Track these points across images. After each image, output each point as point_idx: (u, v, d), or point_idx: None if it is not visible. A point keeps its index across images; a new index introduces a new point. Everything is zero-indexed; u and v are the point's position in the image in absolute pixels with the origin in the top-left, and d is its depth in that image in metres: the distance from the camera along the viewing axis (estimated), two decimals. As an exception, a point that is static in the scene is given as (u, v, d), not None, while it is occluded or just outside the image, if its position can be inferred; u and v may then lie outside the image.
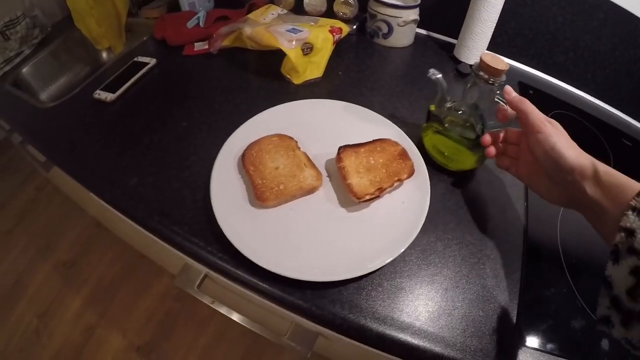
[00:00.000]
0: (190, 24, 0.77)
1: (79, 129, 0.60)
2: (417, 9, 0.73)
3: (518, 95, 0.41)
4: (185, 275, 0.59)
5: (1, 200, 1.43)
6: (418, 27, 0.78)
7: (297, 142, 0.53)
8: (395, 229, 0.45)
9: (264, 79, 0.69)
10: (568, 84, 0.74)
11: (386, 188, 0.46)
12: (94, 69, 0.83)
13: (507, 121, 0.44)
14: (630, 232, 0.29)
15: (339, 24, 0.71)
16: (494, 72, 0.42)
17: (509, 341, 0.39)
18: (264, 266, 0.40)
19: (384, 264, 0.41)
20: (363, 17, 0.80)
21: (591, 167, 0.35)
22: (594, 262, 0.46)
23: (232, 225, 0.43)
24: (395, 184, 0.47)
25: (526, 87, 0.70)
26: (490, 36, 0.68)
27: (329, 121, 0.58)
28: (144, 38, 0.80)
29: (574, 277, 0.44)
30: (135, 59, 0.71)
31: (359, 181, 0.47)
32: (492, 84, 0.43)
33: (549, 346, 0.38)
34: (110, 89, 0.65)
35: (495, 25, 0.67)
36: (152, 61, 0.71)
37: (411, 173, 0.49)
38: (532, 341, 0.39)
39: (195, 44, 0.76)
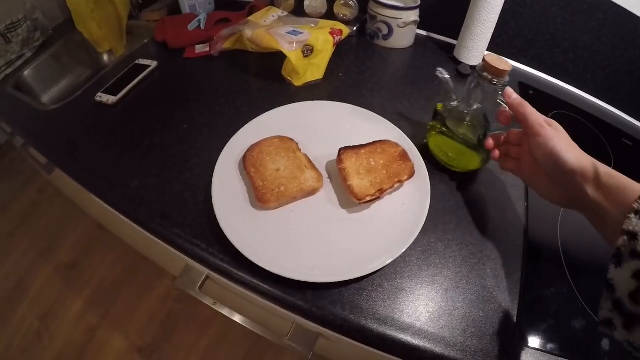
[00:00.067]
0: (191, 26, 0.78)
1: (80, 131, 0.60)
2: (417, 10, 0.73)
3: (519, 97, 0.41)
4: (186, 277, 0.59)
5: (3, 203, 1.44)
6: (418, 28, 0.78)
7: (297, 144, 0.53)
8: (395, 230, 0.45)
9: (265, 81, 0.69)
10: (568, 84, 0.74)
11: (387, 189, 0.46)
12: (95, 71, 0.84)
13: (508, 124, 0.44)
14: (633, 236, 0.29)
15: (339, 25, 0.72)
16: (498, 72, 0.43)
17: (510, 341, 0.39)
18: (265, 267, 0.40)
19: (384, 264, 0.42)
20: (363, 19, 0.80)
21: (592, 169, 0.35)
22: (595, 262, 0.46)
23: (233, 227, 0.44)
24: (396, 185, 0.47)
25: (526, 88, 0.70)
26: (490, 37, 0.69)
27: (330, 123, 0.58)
28: (145, 41, 0.80)
29: (574, 277, 0.44)
30: (137, 62, 0.72)
31: (359, 182, 0.47)
32: (496, 85, 0.44)
33: (550, 346, 0.39)
34: (112, 91, 0.65)
35: (495, 25, 0.67)
36: (153, 64, 0.71)
37: (411, 174, 0.49)
38: (533, 341, 0.39)
39: (196, 46, 0.76)
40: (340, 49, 0.74)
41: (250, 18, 0.77)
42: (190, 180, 0.52)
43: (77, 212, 1.30)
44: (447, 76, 0.51)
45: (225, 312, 0.60)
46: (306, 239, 0.44)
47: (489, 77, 0.43)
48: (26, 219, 1.39)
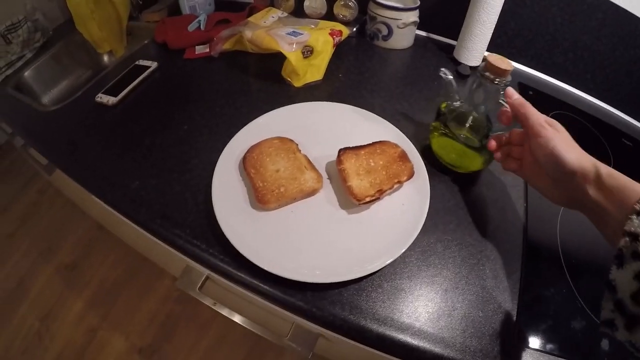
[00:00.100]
0: (191, 27, 0.78)
1: (80, 131, 0.60)
2: (417, 11, 0.73)
3: (520, 97, 0.41)
4: (187, 278, 0.59)
5: (3, 203, 1.44)
6: (418, 28, 0.78)
7: (297, 144, 0.53)
8: (395, 230, 0.45)
9: (265, 82, 0.69)
10: (568, 84, 0.74)
11: (386, 190, 0.47)
12: (96, 72, 0.84)
13: (510, 124, 0.44)
14: (635, 237, 0.29)
15: (339, 26, 0.72)
16: (500, 72, 0.43)
17: (509, 341, 0.39)
18: (265, 268, 0.40)
19: (384, 265, 0.42)
20: (363, 20, 0.80)
21: (593, 169, 0.34)
22: (594, 262, 0.46)
23: (234, 228, 0.44)
24: (395, 186, 0.48)
25: (526, 88, 0.70)
26: (490, 37, 0.69)
27: (330, 123, 0.58)
28: (145, 42, 0.80)
29: (573, 277, 0.44)
30: (137, 63, 0.72)
31: (359, 183, 0.47)
32: (498, 84, 0.44)
33: (549, 346, 0.39)
34: (112, 92, 0.65)
35: (494, 26, 0.67)
36: (153, 65, 0.71)
37: (411, 175, 0.49)
38: (532, 341, 0.39)
39: (196, 47, 0.77)
40: (340, 49, 0.74)
41: (250, 19, 0.77)
42: (190, 181, 0.52)
43: (77, 213, 1.30)
44: (450, 77, 0.51)
45: (225, 312, 0.60)
46: (306, 239, 0.44)
47: (491, 76, 0.43)
48: (27, 219, 1.39)
